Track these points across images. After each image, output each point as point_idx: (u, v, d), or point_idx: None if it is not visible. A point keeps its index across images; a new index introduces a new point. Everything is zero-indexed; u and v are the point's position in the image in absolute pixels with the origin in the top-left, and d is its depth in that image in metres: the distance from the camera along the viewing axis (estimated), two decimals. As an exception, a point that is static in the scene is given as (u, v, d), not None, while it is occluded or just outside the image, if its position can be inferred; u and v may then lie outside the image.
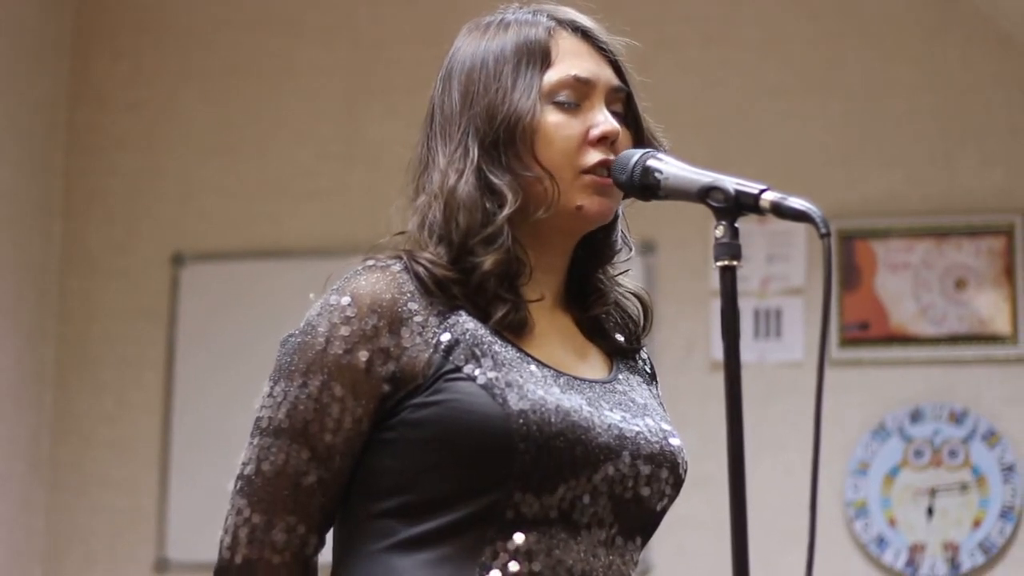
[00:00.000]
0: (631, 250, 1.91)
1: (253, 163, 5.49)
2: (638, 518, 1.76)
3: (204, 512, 5.29)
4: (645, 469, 1.74)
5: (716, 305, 1.73)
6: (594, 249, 1.86)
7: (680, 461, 1.79)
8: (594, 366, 1.84)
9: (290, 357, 1.73)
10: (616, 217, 1.87)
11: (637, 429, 1.75)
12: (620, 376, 1.84)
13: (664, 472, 1.77)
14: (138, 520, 5.37)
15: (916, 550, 4.85)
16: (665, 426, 1.80)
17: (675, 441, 1.80)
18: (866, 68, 5.14)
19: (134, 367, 5.45)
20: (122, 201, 5.57)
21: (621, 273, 1.90)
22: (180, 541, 5.31)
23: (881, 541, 4.87)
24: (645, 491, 1.75)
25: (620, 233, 1.89)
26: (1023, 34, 5.02)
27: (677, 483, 1.79)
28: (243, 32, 5.58)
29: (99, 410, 5.46)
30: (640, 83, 1.87)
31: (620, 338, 1.89)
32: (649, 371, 1.94)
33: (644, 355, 1.94)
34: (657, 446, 1.76)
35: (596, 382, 1.79)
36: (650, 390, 1.89)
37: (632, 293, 1.91)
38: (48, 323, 5.51)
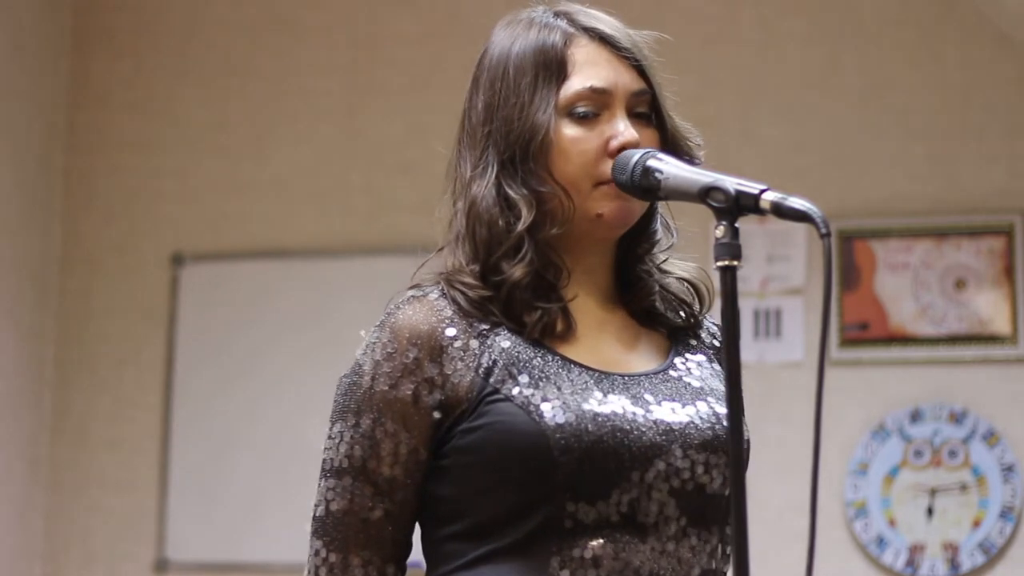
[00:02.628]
0: (674, 236, 1.90)
1: (253, 163, 5.49)
2: (708, 508, 1.76)
3: (204, 512, 5.30)
4: (700, 458, 1.74)
5: (716, 305, 1.72)
6: (632, 243, 1.87)
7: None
8: (648, 357, 1.84)
9: (343, 398, 1.78)
10: (655, 209, 1.87)
11: (687, 419, 1.75)
12: (676, 361, 1.84)
13: (722, 457, 1.76)
14: (138, 520, 5.37)
15: (916, 550, 4.84)
16: (720, 409, 1.79)
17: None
18: (865, 68, 5.14)
19: (134, 367, 5.45)
20: (122, 201, 5.57)
21: (664, 260, 1.90)
22: (180, 541, 5.31)
23: (881, 541, 4.87)
24: (705, 479, 1.75)
25: (661, 221, 1.89)
26: (1023, 34, 5.02)
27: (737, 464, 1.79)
28: (243, 32, 5.58)
29: (99, 410, 5.46)
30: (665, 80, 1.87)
31: (679, 318, 1.88)
32: (719, 344, 1.92)
33: (712, 328, 1.93)
34: (709, 432, 1.76)
35: (646, 375, 1.80)
36: (713, 367, 1.88)
37: (682, 277, 1.90)
38: (48, 323, 5.51)
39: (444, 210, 1.85)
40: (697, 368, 1.85)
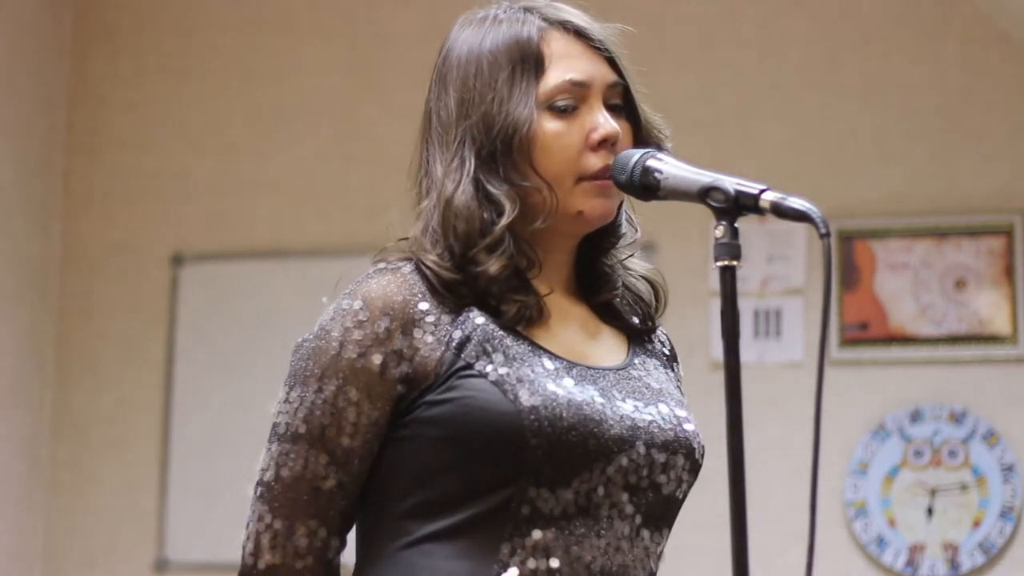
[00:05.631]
0: (637, 231, 1.90)
1: (253, 163, 5.49)
2: (659, 508, 1.76)
3: (204, 512, 5.30)
4: (660, 457, 1.75)
5: (716, 305, 1.72)
6: (598, 237, 1.86)
7: (696, 446, 1.80)
8: (610, 351, 1.84)
9: (304, 362, 1.74)
10: (620, 204, 1.87)
11: (650, 418, 1.76)
12: (636, 360, 1.85)
13: (680, 459, 1.77)
14: (138, 520, 5.37)
15: (916, 550, 4.84)
16: (680, 412, 1.80)
17: (689, 427, 1.80)
18: (865, 68, 5.14)
19: (134, 367, 5.45)
20: (122, 201, 5.57)
21: (628, 256, 1.90)
22: (180, 541, 5.31)
23: (881, 541, 4.87)
24: (662, 479, 1.75)
25: (625, 216, 1.89)
26: (1023, 34, 5.02)
27: (694, 468, 1.80)
28: (243, 32, 5.58)
29: (99, 410, 5.46)
30: (638, 74, 1.87)
31: (635, 320, 1.89)
32: (668, 352, 1.94)
33: (663, 337, 1.95)
34: (671, 433, 1.77)
35: (611, 369, 1.80)
36: (667, 373, 1.89)
37: (642, 276, 1.91)
38: (48, 323, 5.51)
39: (409, 208, 1.83)
40: (655, 370, 1.86)
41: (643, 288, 1.91)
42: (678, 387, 1.90)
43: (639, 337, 1.89)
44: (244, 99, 5.54)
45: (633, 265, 1.91)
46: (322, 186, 5.41)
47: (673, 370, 1.93)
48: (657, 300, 1.92)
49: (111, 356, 5.48)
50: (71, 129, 5.63)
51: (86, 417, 5.47)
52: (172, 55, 5.63)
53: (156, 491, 5.36)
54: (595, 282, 1.87)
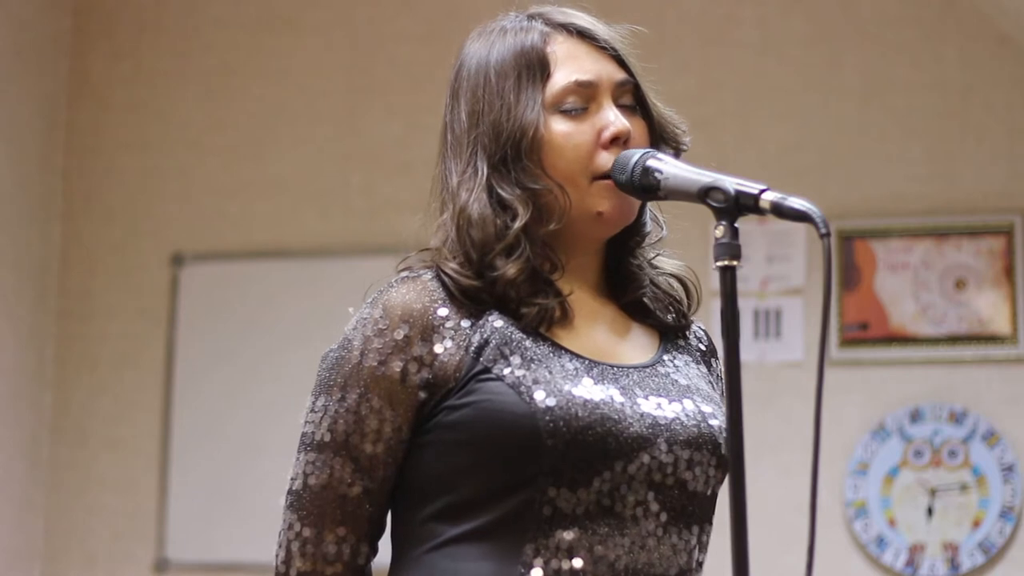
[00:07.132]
0: (663, 230, 1.91)
1: (253, 163, 5.49)
2: (688, 504, 1.76)
3: (204, 512, 5.30)
4: (684, 454, 1.75)
5: (716, 305, 1.72)
6: (624, 237, 1.87)
7: (721, 442, 1.79)
8: (640, 349, 1.84)
9: (329, 372, 1.77)
10: (644, 203, 1.87)
11: (673, 415, 1.76)
12: (665, 357, 1.85)
13: (705, 455, 1.77)
14: (138, 520, 5.37)
15: (916, 550, 4.84)
16: (705, 407, 1.80)
17: (715, 422, 1.79)
18: (865, 68, 5.14)
19: (134, 367, 5.45)
20: (122, 201, 5.57)
21: (656, 256, 1.91)
22: (180, 541, 5.31)
23: (881, 541, 4.87)
24: (687, 476, 1.75)
25: (649, 215, 1.90)
26: (1023, 34, 5.02)
27: (720, 464, 1.79)
28: (243, 32, 5.58)
29: (99, 410, 5.46)
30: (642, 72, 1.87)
31: (669, 318, 1.89)
32: (704, 348, 1.94)
33: (699, 332, 1.95)
34: (695, 429, 1.76)
35: (636, 368, 1.80)
36: (699, 369, 1.89)
37: (672, 274, 1.92)
38: (48, 323, 5.51)
39: (431, 222, 1.85)
40: (685, 366, 1.86)
41: (675, 286, 1.92)
42: (711, 382, 1.89)
43: (672, 334, 1.90)
44: (244, 99, 5.54)
45: (663, 264, 1.92)
46: (322, 186, 5.41)
47: (710, 366, 1.93)
48: (689, 297, 1.92)
49: (111, 356, 5.48)
50: (71, 129, 5.63)
51: (86, 417, 5.47)
52: (172, 55, 5.63)
53: (156, 491, 5.36)
54: (623, 282, 1.88)
